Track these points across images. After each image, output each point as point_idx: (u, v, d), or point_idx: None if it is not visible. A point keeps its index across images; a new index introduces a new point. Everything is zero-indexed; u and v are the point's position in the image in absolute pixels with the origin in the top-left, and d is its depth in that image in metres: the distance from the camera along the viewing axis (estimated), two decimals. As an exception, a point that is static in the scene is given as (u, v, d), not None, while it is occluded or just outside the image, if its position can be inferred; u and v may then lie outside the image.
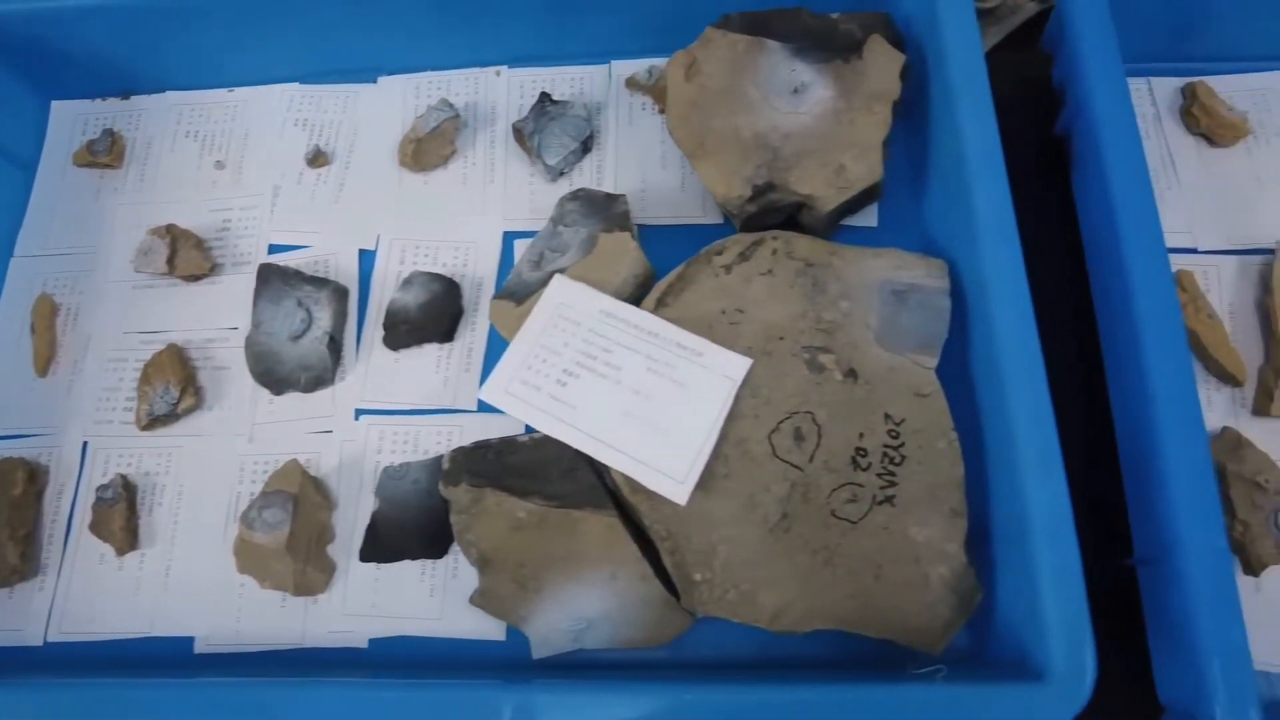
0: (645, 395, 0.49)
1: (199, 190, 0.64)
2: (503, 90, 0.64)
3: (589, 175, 0.61)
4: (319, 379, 0.57)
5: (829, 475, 0.47)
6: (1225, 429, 0.52)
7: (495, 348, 0.57)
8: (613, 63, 0.64)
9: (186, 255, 0.60)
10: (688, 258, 0.52)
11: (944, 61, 0.52)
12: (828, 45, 0.54)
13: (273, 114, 0.65)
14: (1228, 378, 0.54)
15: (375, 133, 0.64)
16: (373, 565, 0.53)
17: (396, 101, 0.64)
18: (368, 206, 0.62)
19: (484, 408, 0.55)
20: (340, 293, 0.58)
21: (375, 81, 0.66)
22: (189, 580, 0.54)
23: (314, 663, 0.52)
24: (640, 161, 0.61)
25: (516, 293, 0.54)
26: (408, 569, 0.53)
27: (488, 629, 0.51)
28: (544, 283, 0.53)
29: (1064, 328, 0.56)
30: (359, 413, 0.57)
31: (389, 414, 0.57)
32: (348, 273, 0.60)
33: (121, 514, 0.54)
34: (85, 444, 0.57)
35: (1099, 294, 0.54)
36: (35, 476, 0.56)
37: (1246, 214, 0.58)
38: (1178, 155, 0.60)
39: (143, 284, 0.61)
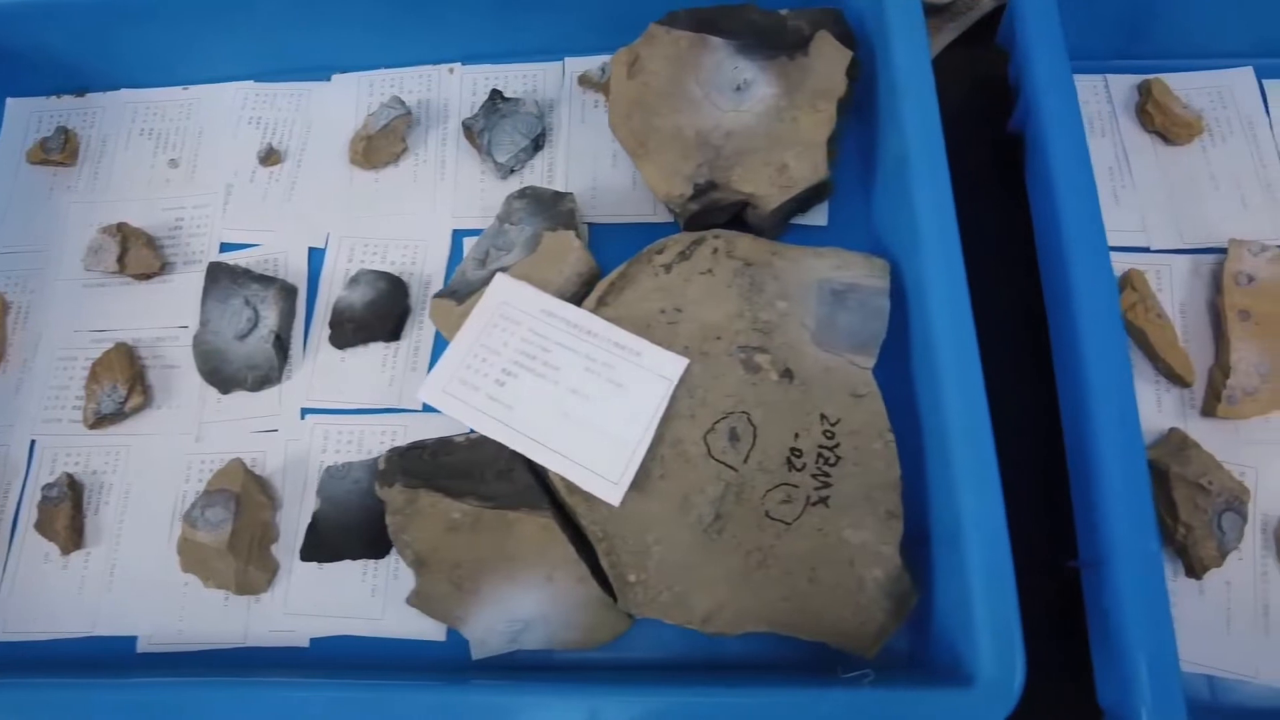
0: (582, 395, 0.48)
1: (152, 188, 0.64)
2: (455, 88, 0.64)
3: (540, 173, 0.61)
4: (265, 378, 0.57)
5: (764, 476, 0.46)
6: (1172, 430, 0.52)
7: (442, 347, 0.56)
8: (566, 60, 0.64)
9: (137, 254, 0.60)
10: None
11: (890, 59, 0.51)
12: (774, 42, 0.54)
13: (227, 112, 0.65)
14: (1176, 378, 0.53)
15: (328, 131, 0.63)
16: (316, 565, 0.53)
17: (350, 99, 0.64)
18: (319, 204, 0.62)
19: (429, 407, 0.54)
20: (288, 291, 0.58)
21: (329, 79, 0.65)
22: (133, 579, 0.54)
23: (256, 662, 0.52)
24: (592, 159, 0.60)
25: (459, 291, 0.54)
26: (350, 569, 0.53)
27: (428, 629, 0.51)
28: (487, 281, 0.53)
29: (1019, 328, 0.55)
30: (305, 412, 0.57)
31: (334, 413, 0.56)
32: (297, 271, 0.60)
33: (66, 513, 0.54)
34: (33, 442, 0.57)
35: (1048, 294, 0.54)
36: (-18, 475, 0.56)
37: (1201, 212, 0.58)
38: (1133, 153, 0.59)
39: (94, 283, 0.61)
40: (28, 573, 0.54)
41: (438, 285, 0.58)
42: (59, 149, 0.64)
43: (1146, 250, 0.57)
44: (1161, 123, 0.59)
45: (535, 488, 0.48)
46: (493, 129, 0.60)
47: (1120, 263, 0.56)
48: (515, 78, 0.64)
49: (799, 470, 0.46)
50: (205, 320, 0.58)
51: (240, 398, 0.57)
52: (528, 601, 0.48)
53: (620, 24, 0.60)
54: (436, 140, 0.63)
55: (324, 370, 0.57)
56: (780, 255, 0.50)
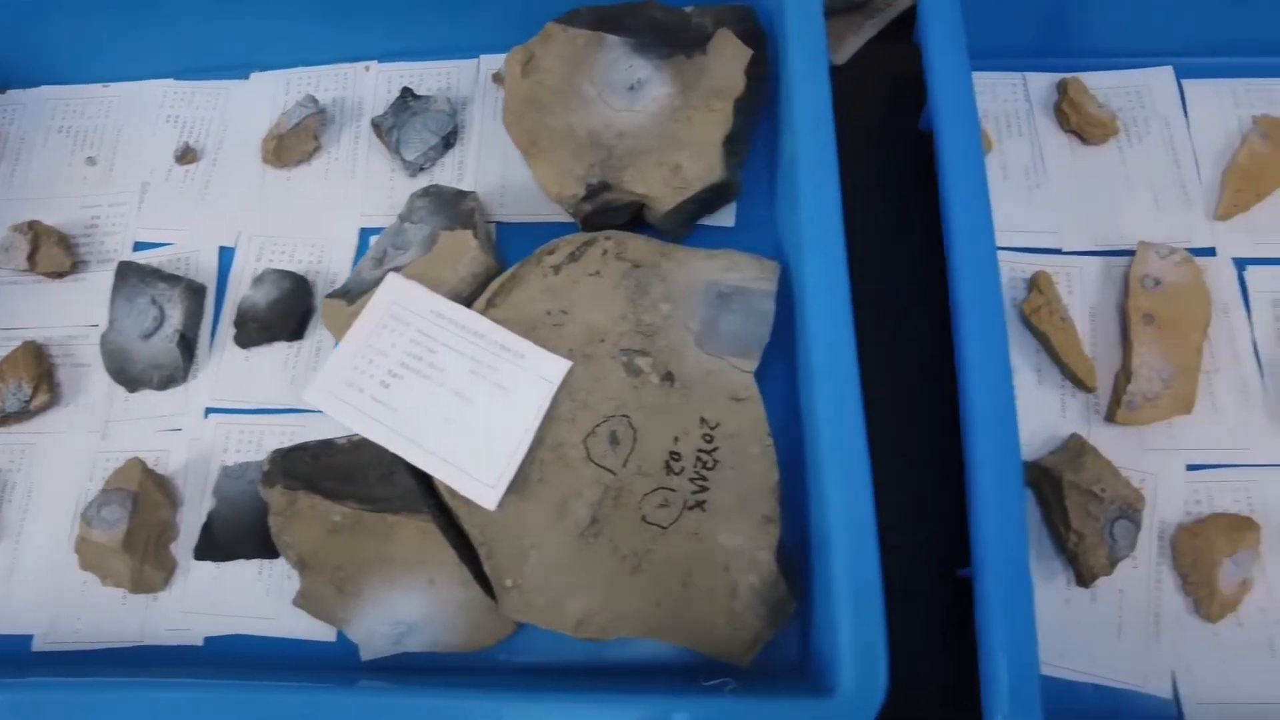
0: (465, 398, 0.48)
1: (70, 186, 0.64)
2: (370, 86, 0.64)
3: (450, 171, 0.60)
4: (170, 377, 0.57)
5: (642, 480, 0.46)
6: (1072, 436, 0.51)
7: (344, 347, 0.56)
8: (482, 57, 0.63)
9: (48, 252, 0.60)
10: (536, 256, 0.52)
11: (786, 57, 0.51)
12: (674, 40, 0.53)
13: (146, 110, 0.65)
14: (1080, 383, 0.52)
15: (244, 130, 0.63)
16: (213, 564, 0.53)
17: (267, 98, 0.64)
18: (232, 204, 0.61)
19: (328, 407, 0.54)
20: (194, 290, 0.58)
21: (248, 78, 0.65)
22: (33, 578, 0.54)
23: (150, 661, 0.52)
24: (502, 158, 0.60)
25: (352, 291, 0.53)
26: (246, 568, 0.53)
27: (320, 629, 0.51)
28: (380, 281, 0.52)
29: (936, 330, 0.55)
30: (209, 411, 0.57)
31: (237, 413, 0.56)
32: (208, 270, 0.60)
33: (-33, 511, 0.54)
34: (-59, 440, 0.58)
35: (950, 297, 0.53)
36: (-111, 472, 0.57)
37: (1114, 214, 0.57)
38: (1049, 153, 0.58)
39: (5, 280, 0.61)
40: (-71, 570, 0.55)
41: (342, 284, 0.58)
42: (-23, 147, 0.64)
43: (1058, 252, 0.56)
44: (1077, 122, 0.58)
45: (416, 491, 0.48)
46: (402, 127, 0.60)
47: (1031, 264, 0.55)
48: (431, 75, 0.63)
49: (677, 474, 0.46)
50: (113, 319, 0.58)
51: (147, 396, 0.57)
52: (410, 604, 0.48)
53: (538, 21, 0.59)
54: (350, 139, 0.62)
55: (229, 370, 0.57)
56: (670, 257, 0.50)
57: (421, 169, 0.60)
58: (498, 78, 0.62)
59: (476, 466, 0.46)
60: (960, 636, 0.46)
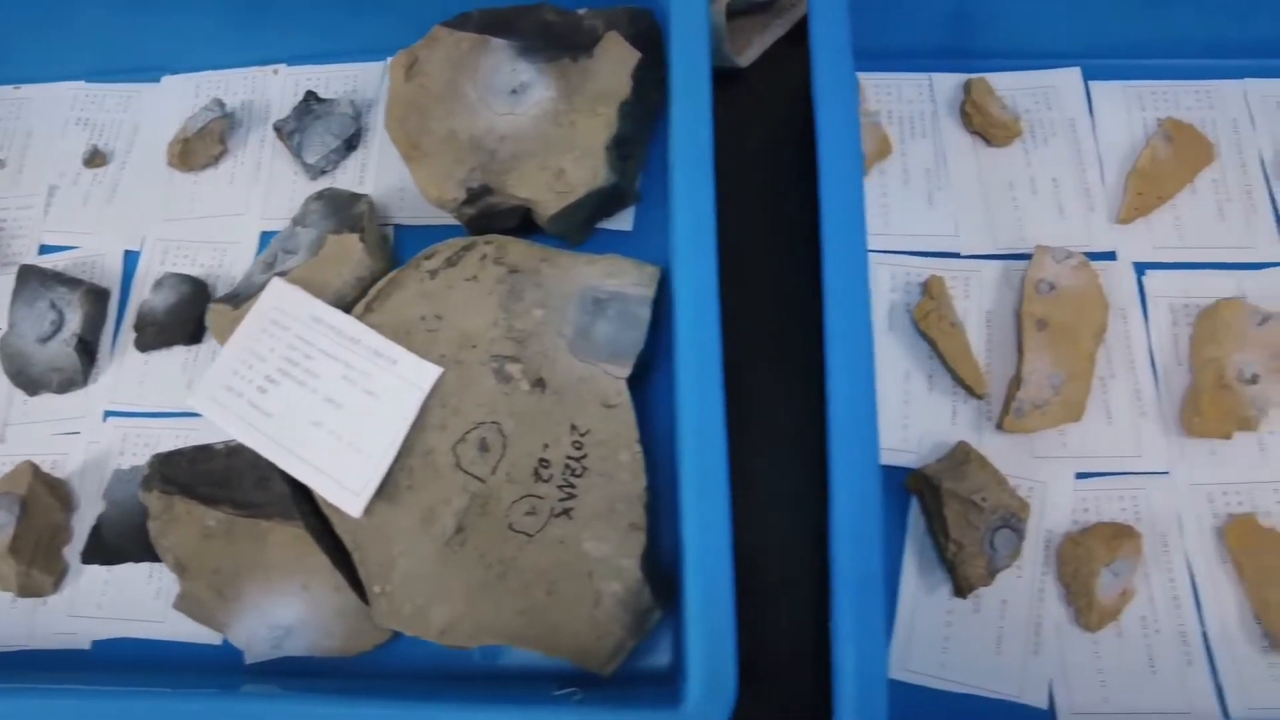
0: (336, 404, 0.48)
1: (-21, 189, 0.64)
2: (278, 89, 0.64)
3: (352, 174, 0.60)
4: (70, 380, 0.57)
5: (511, 487, 0.46)
6: (959, 444, 0.50)
7: (240, 351, 0.56)
8: (389, 59, 0.63)
9: (-46, 255, 0.60)
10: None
11: (670, 59, 0.50)
12: (561, 44, 0.53)
13: (56, 112, 0.65)
14: (969, 389, 0.52)
15: (153, 133, 0.63)
16: (104, 568, 0.53)
17: (177, 101, 0.64)
18: (139, 207, 0.62)
19: (220, 412, 0.54)
20: (96, 294, 0.58)
21: (159, 81, 0.65)
22: (-73, 580, 0.54)
23: (36, 665, 0.52)
24: (403, 161, 0.59)
25: (240, 295, 0.53)
26: (136, 572, 0.53)
27: (206, 632, 0.51)
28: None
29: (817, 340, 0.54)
30: (107, 414, 0.57)
31: (134, 416, 0.57)
32: (112, 274, 0.60)
33: None
34: None
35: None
36: None
37: (1016, 217, 0.56)
38: (952, 155, 0.57)
39: (-91, 284, 0.61)
40: None
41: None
42: (-110, 150, 0.64)
43: (956, 256, 0.55)
44: (980, 123, 0.57)
45: (290, 497, 0.48)
46: (304, 130, 0.59)
47: (927, 268, 0.55)
48: (338, 78, 0.63)
49: (545, 482, 0.46)
50: (13, 323, 0.58)
51: (47, 400, 0.57)
52: (286, 609, 0.48)
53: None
54: (256, 142, 0.62)
55: (128, 373, 0.57)
56: (551, 262, 0.49)
57: (323, 172, 0.60)
58: (402, 80, 0.62)
59: (343, 473, 0.46)
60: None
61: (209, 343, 0.57)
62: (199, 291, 0.57)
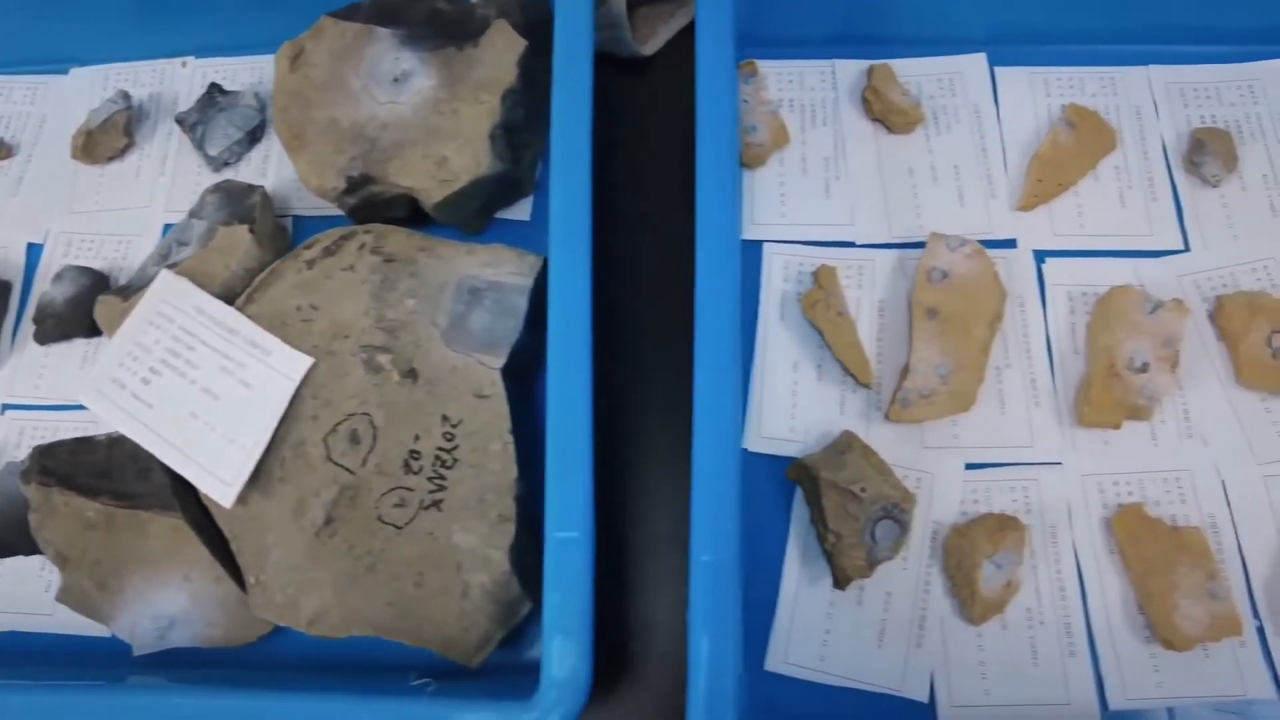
0: (214, 395, 0.48)
1: (-116, 184, 0.64)
2: (186, 81, 0.63)
3: (256, 166, 0.60)
4: (-31, 373, 0.57)
5: (380, 479, 0.45)
6: (843, 433, 0.50)
7: (138, 343, 0.56)
8: (286, 51, 0.63)
9: None
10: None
11: (554, 45, 0.50)
12: (449, 32, 0.52)
13: (-36, 105, 0.65)
14: (856, 378, 0.51)
15: (60, 125, 0.63)
16: (-2, 561, 0.53)
17: (84, 93, 0.64)
18: (44, 200, 0.61)
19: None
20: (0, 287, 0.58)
21: (67, 72, 0.65)
22: None
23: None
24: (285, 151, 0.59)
25: (130, 287, 0.53)
26: (27, 565, 0.53)
27: (97, 625, 0.51)
28: (156, 278, 0.52)
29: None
30: (5, 407, 0.57)
31: (34, 409, 0.56)
32: (15, 267, 0.60)
33: None
34: None
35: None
36: None
37: (915, 205, 0.55)
38: (852, 143, 0.57)
39: None
40: None
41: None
42: None
43: (851, 245, 0.55)
44: (880, 110, 0.56)
45: (170, 488, 0.48)
46: (208, 122, 0.59)
47: (821, 257, 0.54)
48: (246, 70, 0.63)
49: (416, 473, 0.45)
50: (-85, 316, 0.58)
51: (-53, 393, 0.58)
52: (169, 600, 0.48)
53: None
54: (163, 135, 0.62)
55: (27, 366, 0.57)
56: (431, 252, 0.49)
57: (226, 164, 0.60)
58: (308, 71, 0.61)
59: (217, 464, 0.46)
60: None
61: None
62: (99, 284, 0.57)
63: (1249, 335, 0.50)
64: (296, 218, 0.58)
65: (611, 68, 0.61)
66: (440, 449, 0.45)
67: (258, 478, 0.46)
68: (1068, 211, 0.54)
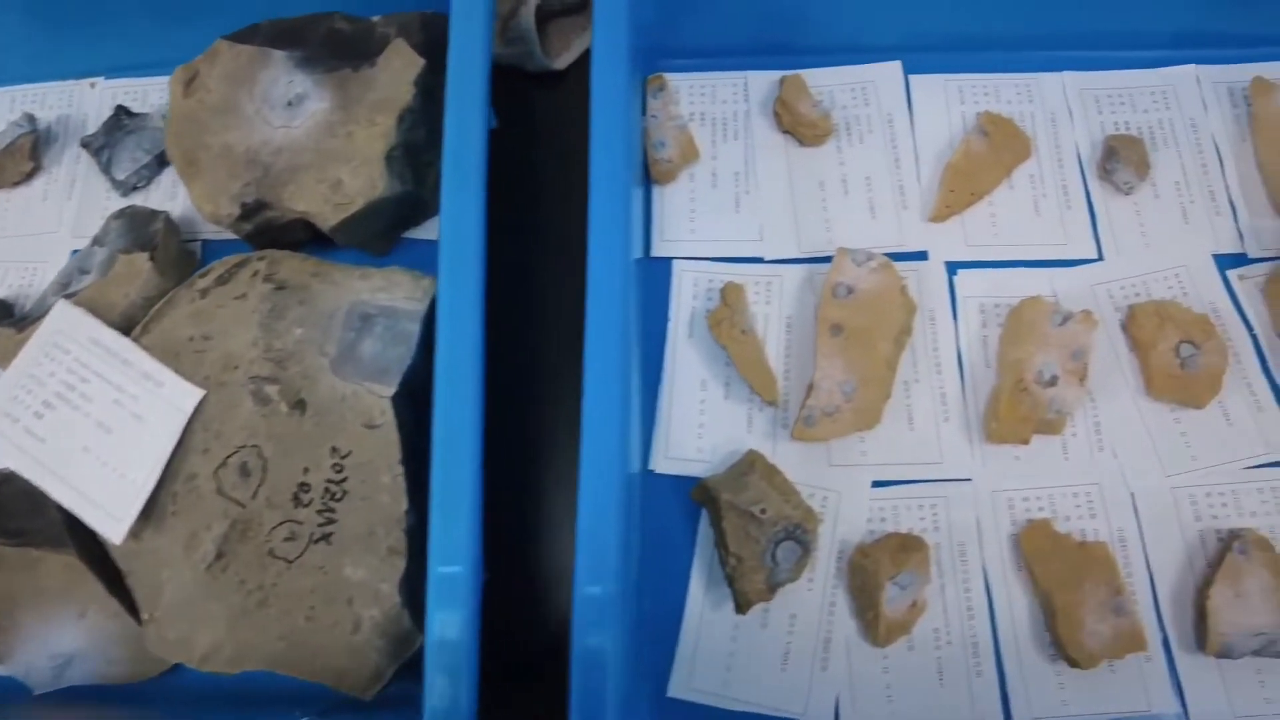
0: (106, 428, 0.47)
1: None
2: (95, 103, 0.63)
3: (165, 189, 0.59)
4: (-125, 406, 0.56)
5: (271, 512, 0.45)
6: (749, 452, 0.49)
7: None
8: (187, 73, 0.62)
9: None
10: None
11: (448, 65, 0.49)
12: (345, 53, 0.52)
13: None
14: (761, 397, 0.50)
15: (-31, 149, 0.62)
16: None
17: (-8, 116, 0.63)
18: (-50, 226, 0.61)
19: (20, 435, 0.53)
20: (-98, 317, 0.58)
21: (-28, 95, 0.64)
22: None
23: None
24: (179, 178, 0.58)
25: (28, 317, 0.52)
26: (-68, 601, 0.52)
27: None
28: (53, 308, 0.51)
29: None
30: (-90, 441, 0.56)
31: (-62, 441, 0.56)
32: (-78, 295, 0.59)
33: None
34: None
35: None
36: None
37: (824, 219, 0.55)
38: (762, 157, 0.56)
39: None
40: None
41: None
42: None
43: (760, 260, 0.54)
44: (789, 123, 0.55)
45: (62, 524, 0.47)
46: (114, 146, 0.59)
47: (729, 274, 0.54)
48: (157, 91, 0.62)
49: (305, 506, 0.45)
50: None
51: None
52: (65, 637, 0.48)
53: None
54: (71, 158, 0.61)
55: (-66, 397, 0.57)
56: (324, 278, 0.48)
57: (135, 188, 0.59)
58: (217, 91, 0.60)
59: (107, 499, 0.45)
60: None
61: (15, 365, 0.56)
62: (2, 312, 0.56)
63: (1158, 345, 0.50)
64: (205, 242, 0.57)
65: (525, 82, 0.61)
66: (329, 481, 0.45)
67: (150, 512, 0.46)
68: (981, 221, 0.54)
